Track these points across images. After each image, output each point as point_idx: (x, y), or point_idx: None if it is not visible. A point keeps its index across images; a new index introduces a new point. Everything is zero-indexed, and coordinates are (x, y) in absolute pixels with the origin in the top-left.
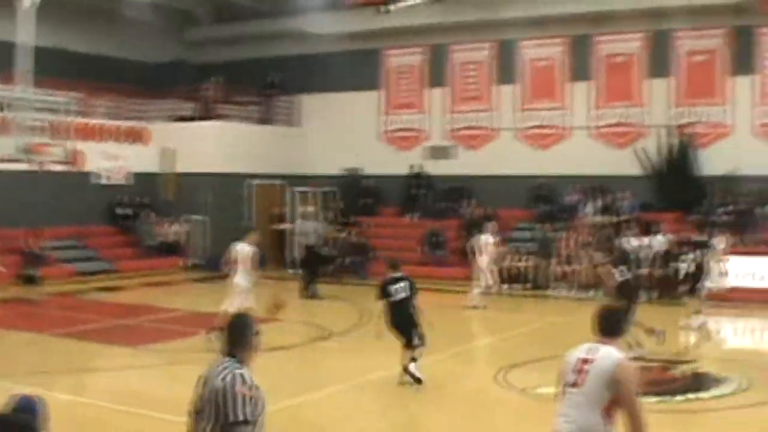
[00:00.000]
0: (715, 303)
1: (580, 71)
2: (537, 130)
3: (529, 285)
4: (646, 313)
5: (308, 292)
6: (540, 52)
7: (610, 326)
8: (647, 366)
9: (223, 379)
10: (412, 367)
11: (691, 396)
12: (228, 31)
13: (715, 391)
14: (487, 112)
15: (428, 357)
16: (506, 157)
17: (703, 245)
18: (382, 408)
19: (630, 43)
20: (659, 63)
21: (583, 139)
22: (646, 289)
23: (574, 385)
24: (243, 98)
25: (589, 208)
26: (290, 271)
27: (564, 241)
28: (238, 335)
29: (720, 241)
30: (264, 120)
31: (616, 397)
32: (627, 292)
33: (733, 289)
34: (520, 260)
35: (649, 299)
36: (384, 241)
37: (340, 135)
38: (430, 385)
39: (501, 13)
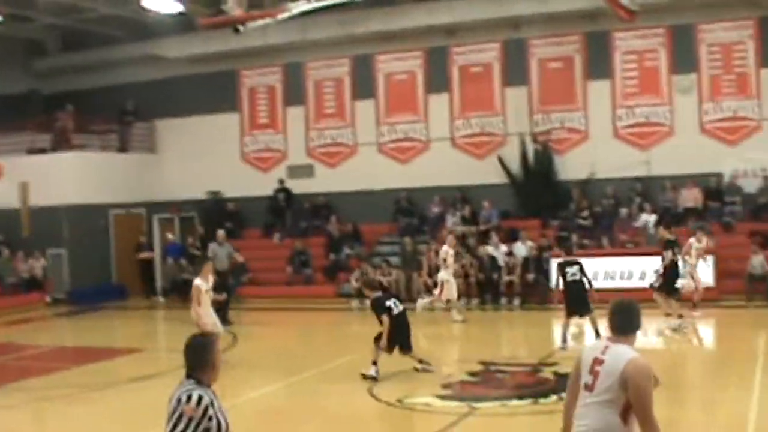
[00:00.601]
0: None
1: (438, 83)
2: (398, 144)
3: None
4: (514, 319)
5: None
6: (397, 65)
7: (623, 323)
8: (515, 370)
9: (178, 399)
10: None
11: (561, 397)
12: (78, 59)
13: None
14: (346, 128)
15: (297, 375)
16: (368, 172)
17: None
18: (253, 428)
19: (486, 53)
20: (516, 71)
21: (444, 150)
22: (508, 296)
23: (588, 388)
24: (99, 127)
25: (452, 218)
26: (161, 299)
27: (429, 253)
28: (197, 356)
29: (698, 240)
30: (121, 148)
31: (628, 398)
32: None
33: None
34: (384, 274)
35: (510, 307)
36: (250, 263)
37: (200, 159)
38: (306, 404)
39: (355, 29)
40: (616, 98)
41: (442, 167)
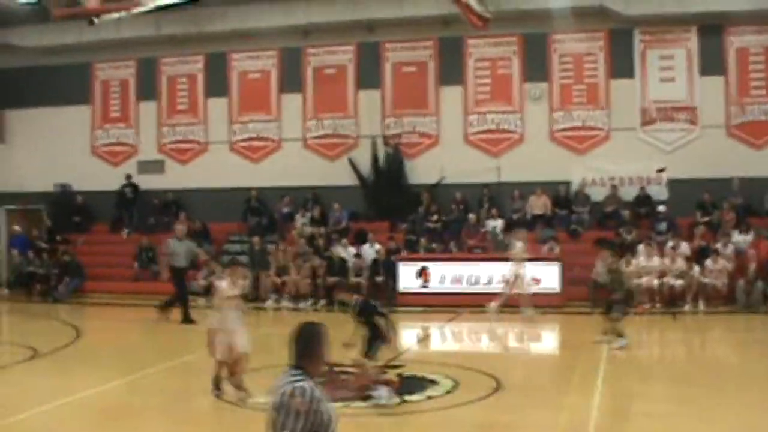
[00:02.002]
0: None
1: (291, 83)
2: (249, 143)
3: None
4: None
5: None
6: (251, 64)
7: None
8: (359, 372)
9: (283, 393)
10: None
11: (404, 399)
12: None
13: (426, 393)
14: (198, 125)
15: (139, 372)
16: (218, 170)
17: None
18: (89, 427)
19: (341, 55)
20: (369, 74)
21: (296, 151)
22: None
23: None
24: None
25: (302, 218)
26: (5, 291)
27: (277, 253)
28: (306, 345)
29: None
30: None
31: None
32: None
33: (444, 295)
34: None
35: None
36: (97, 258)
37: (50, 151)
38: (147, 401)
39: (211, 27)
40: (467, 104)
41: (293, 167)
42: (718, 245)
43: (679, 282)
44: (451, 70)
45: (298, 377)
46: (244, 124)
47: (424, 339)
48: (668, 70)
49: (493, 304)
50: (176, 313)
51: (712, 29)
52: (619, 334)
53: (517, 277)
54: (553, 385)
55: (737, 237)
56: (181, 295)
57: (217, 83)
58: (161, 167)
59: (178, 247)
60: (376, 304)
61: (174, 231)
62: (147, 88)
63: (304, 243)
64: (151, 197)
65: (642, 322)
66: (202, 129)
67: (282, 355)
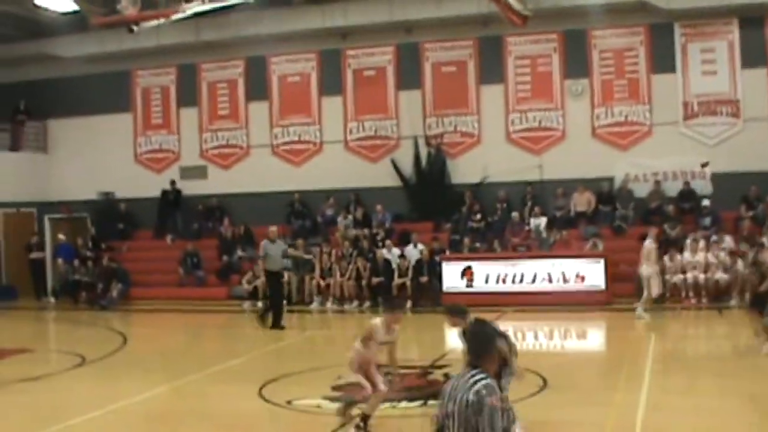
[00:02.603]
0: None
1: (332, 86)
2: (291, 146)
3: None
4: (406, 322)
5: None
6: (291, 67)
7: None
8: (406, 373)
9: (476, 392)
10: None
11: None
12: None
13: None
14: (239, 129)
15: (184, 378)
16: (261, 174)
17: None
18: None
19: (380, 57)
20: (409, 75)
21: (338, 153)
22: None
23: None
24: None
25: (345, 220)
26: (51, 300)
27: (321, 255)
28: (483, 345)
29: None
30: (12, 147)
31: None
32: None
33: (488, 294)
34: None
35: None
36: (141, 264)
37: (93, 159)
38: (192, 407)
39: (250, 30)
40: (508, 102)
41: (335, 170)
42: (764, 239)
43: (724, 277)
44: (491, 68)
45: (482, 375)
46: (285, 128)
47: None
48: (710, 63)
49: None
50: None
51: (753, 21)
52: None
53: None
54: (600, 382)
55: None
56: (276, 299)
57: (257, 87)
58: (204, 173)
59: (271, 249)
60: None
61: (267, 233)
62: (188, 94)
63: (348, 245)
64: (195, 203)
65: (689, 318)
66: (244, 133)
67: (328, 357)
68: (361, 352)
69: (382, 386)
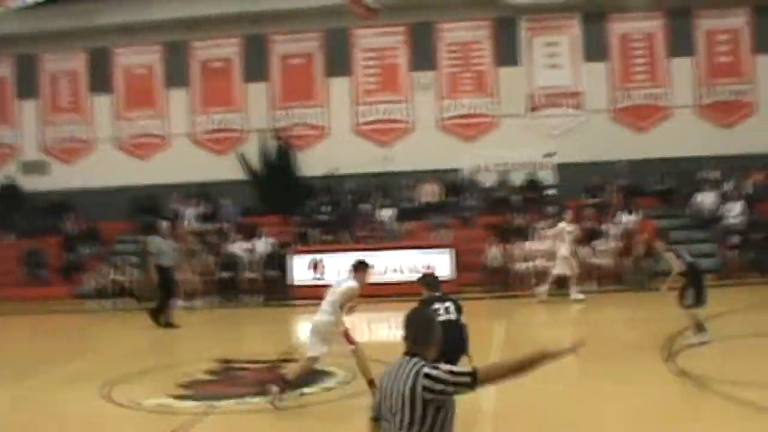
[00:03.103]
0: None
1: (177, 78)
2: (136, 140)
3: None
4: (256, 316)
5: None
6: (135, 59)
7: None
8: (255, 367)
9: (426, 375)
10: None
11: (301, 392)
12: None
13: (322, 385)
14: (83, 123)
15: (28, 380)
16: (105, 168)
17: None
18: None
19: (227, 48)
20: (256, 67)
21: (185, 146)
22: (249, 293)
23: None
24: None
25: (192, 215)
26: None
27: None
28: (424, 332)
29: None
30: None
31: None
32: None
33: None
34: (123, 274)
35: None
36: None
37: None
38: (36, 412)
39: (93, 21)
40: (356, 95)
41: (181, 163)
42: (606, 227)
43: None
44: (339, 61)
45: (424, 362)
46: (131, 121)
47: None
48: (553, 57)
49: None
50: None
51: (595, 16)
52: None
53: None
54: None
55: (624, 217)
56: (169, 296)
57: (101, 79)
58: (45, 168)
59: (163, 245)
60: (441, 308)
61: (157, 228)
62: (27, 87)
63: (196, 240)
64: (37, 199)
65: (534, 304)
66: (87, 127)
67: (176, 354)
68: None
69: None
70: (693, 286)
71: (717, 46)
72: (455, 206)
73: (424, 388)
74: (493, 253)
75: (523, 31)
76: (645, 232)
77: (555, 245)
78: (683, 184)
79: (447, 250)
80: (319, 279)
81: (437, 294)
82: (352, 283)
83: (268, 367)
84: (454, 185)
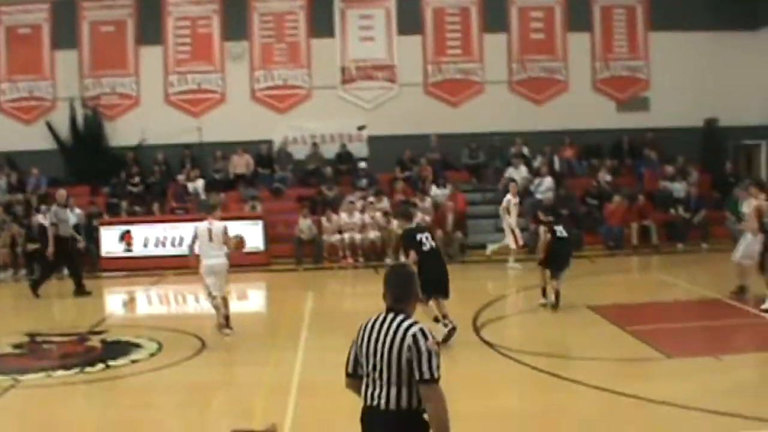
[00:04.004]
0: None
1: None
2: None
3: None
4: (62, 288)
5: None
6: None
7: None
8: (63, 340)
9: (412, 335)
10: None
11: (108, 364)
12: None
13: (130, 357)
14: None
15: None
16: None
17: None
18: None
19: (36, 14)
20: (67, 34)
21: None
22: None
23: None
24: None
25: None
26: None
27: None
28: (402, 287)
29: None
30: None
31: None
32: None
33: (148, 258)
34: None
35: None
36: None
37: None
38: None
39: None
40: (168, 64)
41: None
42: (416, 199)
43: (378, 236)
44: (151, 29)
45: (410, 320)
46: None
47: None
48: (368, 29)
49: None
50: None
51: None
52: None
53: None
54: (258, 342)
55: (435, 191)
56: (74, 265)
57: None
58: None
59: (63, 214)
60: (423, 237)
61: (56, 197)
62: None
63: (2, 211)
64: None
65: (346, 276)
66: None
67: None
68: None
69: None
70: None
71: (531, 23)
72: (267, 178)
73: (409, 348)
74: (305, 225)
75: (338, 3)
76: (455, 205)
77: (368, 218)
78: (495, 159)
79: (258, 221)
80: (127, 251)
81: (415, 225)
82: (221, 223)
83: (75, 340)
84: (266, 157)
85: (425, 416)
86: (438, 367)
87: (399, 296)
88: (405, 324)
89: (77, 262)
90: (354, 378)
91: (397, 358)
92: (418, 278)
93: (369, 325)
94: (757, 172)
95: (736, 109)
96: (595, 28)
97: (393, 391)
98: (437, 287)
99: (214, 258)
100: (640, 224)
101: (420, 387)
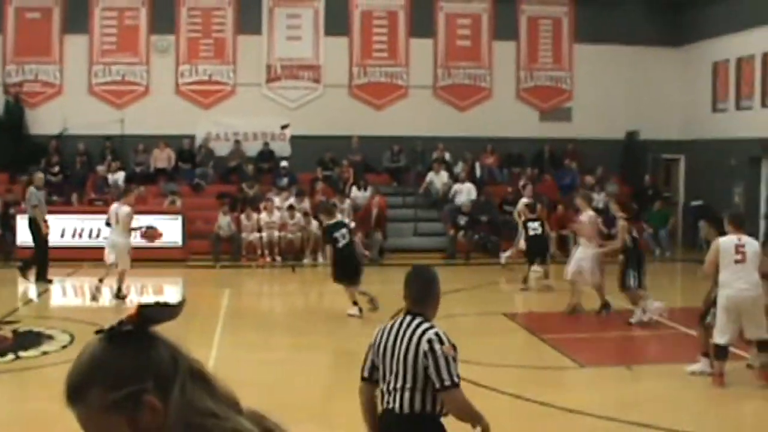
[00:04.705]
0: None
1: None
2: None
3: None
4: None
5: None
6: None
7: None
8: None
9: (428, 341)
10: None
11: (19, 355)
12: None
13: (41, 348)
14: None
15: None
16: None
17: None
18: None
19: None
20: None
21: None
22: None
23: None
24: None
25: None
26: None
27: None
28: (423, 289)
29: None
30: None
31: None
32: None
33: (64, 249)
34: None
35: None
36: None
37: None
38: None
39: None
40: (93, 54)
41: None
42: (336, 200)
43: (297, 236)
44: (77, 17)
45: (427, 324)
46: None
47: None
48: (295, 28)
49: None
50: None
51: None
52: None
53: None
54: (172, 336)
55: (356, 192)
56: (45, 250)
57: None
58: None
59: (41, 197)
60: (338, 234)
61: (33, 179)
62: None
63: None
64: None
65: (263, 275)
66: None
67: None
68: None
69: None
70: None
71: (458, 30)
72: (188, 173)
73: (425, 354)
74: (224, 221)
75: (266, 1)
76: (375, 208)
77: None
78: (416, 164)
79: (177, 216)
80: None
81: (336, 221)
82: (127, 208)
83: None
84: (188, 152)
85: (442, 420)
86: (456, 371)
87: (419, 298)
88: (421, 329)
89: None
90: (369, 382)
91: (413, 363)
92: (439, 280)
93: (387, 329)
94: (676, 186)
95: (657, 123)
96: (520, 37)
97: (410, 395)
98: (350, 278)
99: (115, 236)
100: (559, 234)
101: (441, 394)
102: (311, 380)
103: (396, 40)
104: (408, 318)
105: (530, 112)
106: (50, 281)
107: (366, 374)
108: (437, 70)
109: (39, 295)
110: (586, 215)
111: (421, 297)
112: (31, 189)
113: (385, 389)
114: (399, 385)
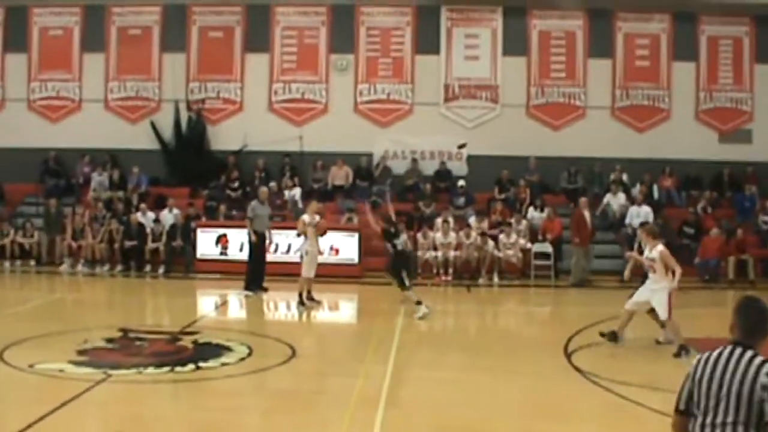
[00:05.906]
0: None
1: (94, 42)
2: (49, 102)
3: (33, 262)
4: (158, 287)
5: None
6: (54, 20)
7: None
8: (155, 338)
9: (755, 374)
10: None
11: (199, 365)
12: None
13: (220, 360)
14: None
15: None
16: (15, 128)
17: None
18: None
19: (147, 16)
20: (176, 37)
21: (97, 112)
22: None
23: None
24: None
25: (100, 182)
26: None
27: (73, 216)
28: (757, 321)
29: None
30: None
31: None
32: None
33: (242, 262)
34: (26, 236)
35: (155, 274)
36: None
37: None
38: None
39: None
40: (273, 72)
41: (92, 129)
42: (513, 221)
43: (474, 255)
44: (258, 37)
45: (759, 356)
46: (44, 83)
47: None
48: (473, 48)
49: None
50: None
51: (516, 11)
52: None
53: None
54: (348, 353)
55: (532, 213)
56: (260, 262)
57: (16, 38)
58: None
59: (260, 210)
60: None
61: (258, 194)
62: None
63: (102, 206)
64: None
65: (438, 293)
66: None
67: (75, 320)
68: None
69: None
70: None
71: (636, 50)
72: (365, 191)
73: (764, 387)
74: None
75: (444, 21)
76: (552, 229)
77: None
78: (593, 185)
79: (354, 233)
80: (223, 254)
81: (395, 228)
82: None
83: (167, 339)
84: (365, 170)
85: None
86: None
87: (751, 330)
88: (757, 360)
89: (264, 258)
90: (684, 415)
91: (748, 397)
92: None
93: (712, 359)
94: None
95: None
96: (700, 58)
97: (743, 429)
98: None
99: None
100: (738, 258)
101: None
102: (484, 401)
103: (574, 60)
104: (738, 350)
105: (709, 134)
106: (266, 290)
107: (682, 407)
108: (615, 90)
109: (217, 307)
110: (656, 251)
111: (753, 328)
112: (252, 203)
113: (707, 424)
114: (729, 419)
